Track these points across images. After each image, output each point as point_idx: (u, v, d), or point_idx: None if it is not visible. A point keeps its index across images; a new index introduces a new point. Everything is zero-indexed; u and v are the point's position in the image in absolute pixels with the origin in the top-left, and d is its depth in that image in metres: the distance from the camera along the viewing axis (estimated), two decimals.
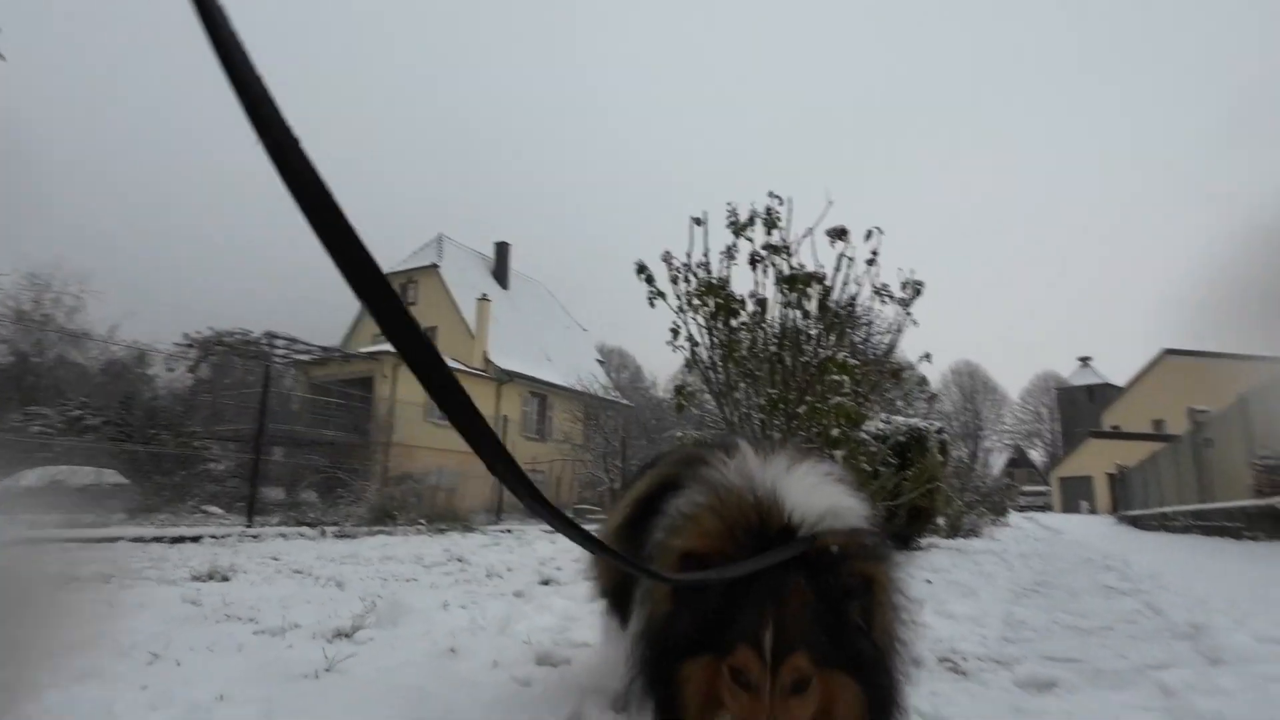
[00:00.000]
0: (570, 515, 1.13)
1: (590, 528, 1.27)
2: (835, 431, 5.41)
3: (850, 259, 5.82)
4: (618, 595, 1.77)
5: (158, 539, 8.86)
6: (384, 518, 12.53)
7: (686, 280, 5.91)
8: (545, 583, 4.84)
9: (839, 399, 5.45)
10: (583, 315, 46.13)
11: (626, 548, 1.55)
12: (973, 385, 71.17)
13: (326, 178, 0.74)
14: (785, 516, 1.30)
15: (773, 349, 5.72)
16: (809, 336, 5.88)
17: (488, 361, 32.09)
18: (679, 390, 6.10)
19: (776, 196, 5.99)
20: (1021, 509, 41.06)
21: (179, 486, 16.42)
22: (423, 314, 35.59)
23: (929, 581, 5.47)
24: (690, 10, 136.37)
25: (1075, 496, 48.50)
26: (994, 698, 2.34)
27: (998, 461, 67.65)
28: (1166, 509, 18.56)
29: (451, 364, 29.98)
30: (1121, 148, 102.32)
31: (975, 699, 2.34)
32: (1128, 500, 27.29)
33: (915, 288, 6.12)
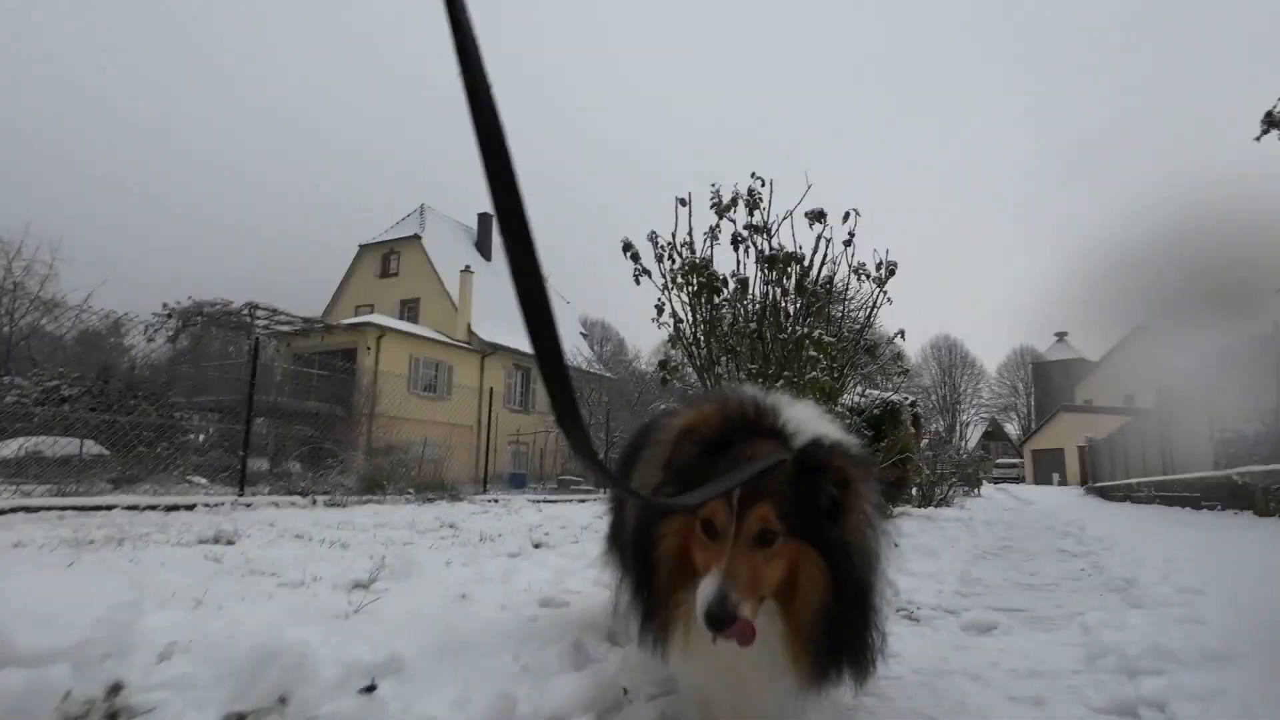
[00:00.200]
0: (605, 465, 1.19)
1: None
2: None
3: (828, 240, 6.09)
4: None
5: (152, 507, 9.00)
6: (373, 487, 12.76)
7: (671, 259, 6.15)
8: (537, 546, 5.13)
9: (815, 374, 5.74)
10: (566, 288, 46.10)
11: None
12: (951, 360, 72.13)
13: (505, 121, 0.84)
14: (779, 422, 1.41)
15: (753, 326, 6.00)
16: (788, 314, 6.16)
17: (471, 333, 32.13)
18: (663, 365, 6.36)
19: (759, 178, 6.21)
20: (995, 480, 42.16)
21: (161, 457, 16.42)
22: (405, 285, 35.50)
23: (896, 545, 5.83)
24: None
25: (1047, 469, 49.72)
26: (940, 639, 2.66)
27: (974, 434, 69.01)
28: (1132, 480, 19.23)
29: (435, 336, 29.92)
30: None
31: (924, 639, 2.66)
32: (1096, 472, 28.12)
33: (890, 268, 6.41)
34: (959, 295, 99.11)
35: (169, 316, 26.24)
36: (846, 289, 7.66)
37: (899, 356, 9.68)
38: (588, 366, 34.63)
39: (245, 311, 27.39)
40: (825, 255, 6.08)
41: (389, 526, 7.02)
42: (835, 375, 6.41)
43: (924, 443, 16.26)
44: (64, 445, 15.21)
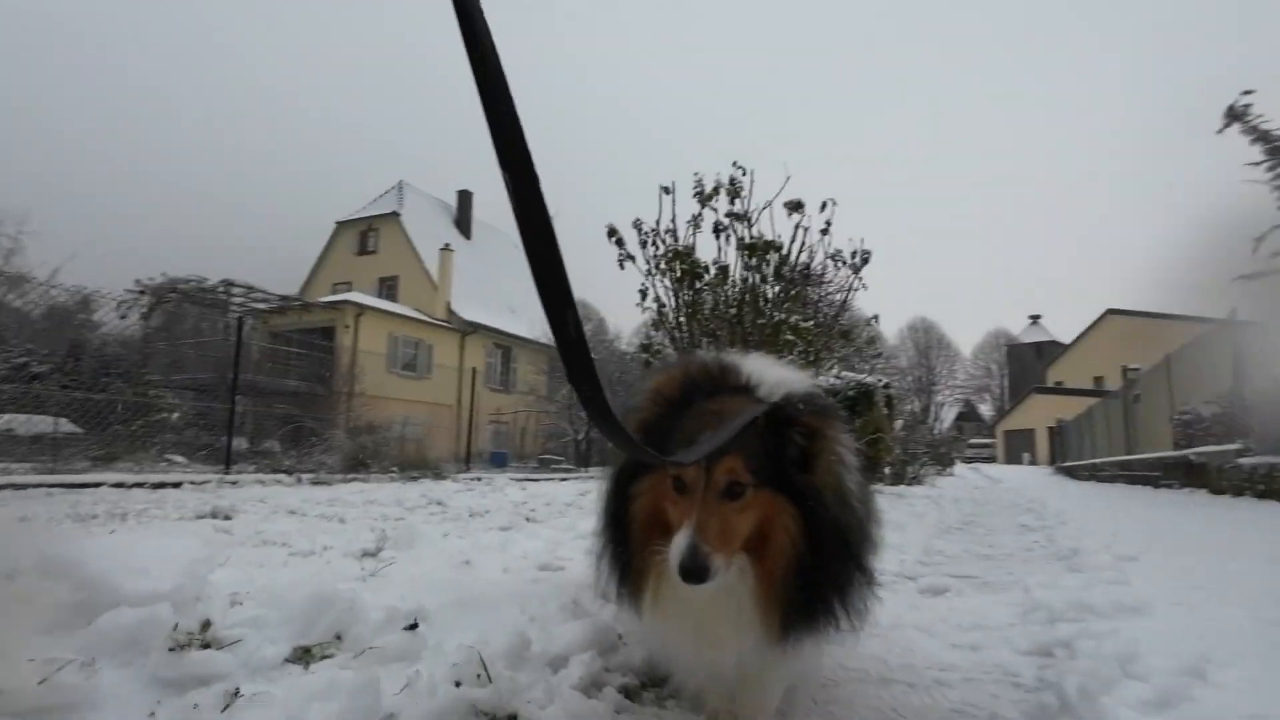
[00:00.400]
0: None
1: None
2: None
3: (806, 229, 6.35)
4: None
5: (139, 484, 9.12)
6: (357, 466, 12.92)
7: (655, 245, 6.37)
8: (527, 520, 5.37)
9: (792, 359, 6.02)
10: None
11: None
12: (927, 341, 73.18)
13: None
14: (743, 378, 1.45)
15: (733, 311, 6.25)
16: (767, 300, 6.42)
17: (451, 312, 32.04)
18: (646, 348, 6.60)
19: (740, 167, 6.44)
20: (968, 460, 43.12)
21: (138, 435, 16.33)
22: (384, 263, 35.27)
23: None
24: None
25: (1018, 449, 50.90)
26: (898, 600, 2.95)
27: (949, 415, 70.25)
28: (1097, 460, 19.87)
29: (415, 315, 29.77)
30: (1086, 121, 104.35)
31: (883, 602, 2.94)
32: (1065, 452, 28.92)
33: (864, 256, 6.68)
34: (946, 276, 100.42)
35: (142, 293, 25.87)
36: (824, 274, 7.95)
37: (873, 340, 10.00)
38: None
39: (221, 289, 27.07)
40: (803, 243, 6.35)
41: (378, 503, 7.22)
42: (812, 358, 6.69)
43: (898, 424, 16.70)
44: (37, 423, 15.08)
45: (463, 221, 39.02)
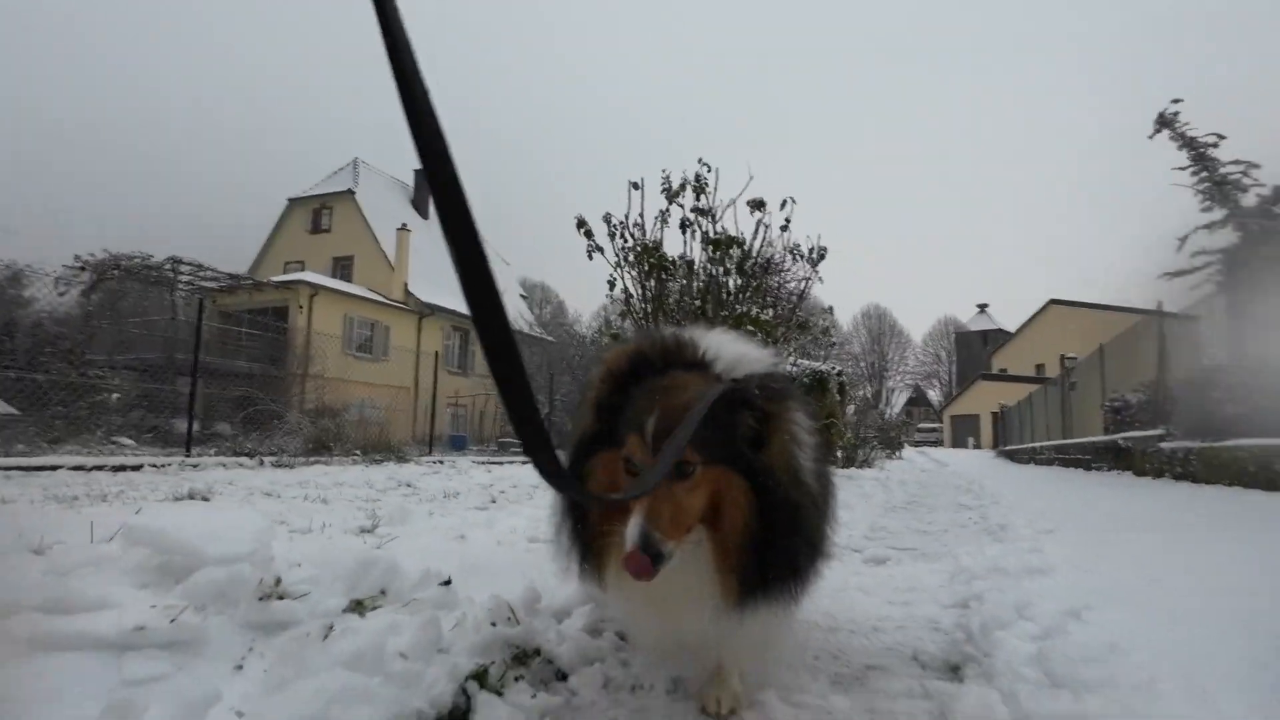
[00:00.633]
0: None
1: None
2: None
3: (767, 226, 6.70)
4: None
5: (98, 468, 9.06)
6: (319, 449, 12.94)
7: (624, 238, 6.64)
8: (495, 501, 5.64)
9: None
10: (506, 248, 45.78)
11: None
12: (880, 328, 75.00)
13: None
14: (700, 352, 1.45)
15: (698, 303, 6.57)
16: (729, 292, 6.76)
17: (408, 294, 31.75)
18: (615, 337, 6.88)
19: (705, 164, 6.75)
20: (916, 444, 44.66)
21: (80, 418, 15.90)
22: (338, 242, 34.64)
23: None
24: None
25: (964, 433, 52.76)
26: (843, 569, 3.32)
27: (899, 400, 72.27)
28: (1037, 444, 20.88)
29: (371, 296, 29.35)
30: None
31: (830, 570, 3.31)
32: (1007, 436, 30.15)
33: (820, 252, 7.07)
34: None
35: (82, 269, 25.02)
36: (783, 266, 8.33)
37: (827, 330, 10.46)
38: (528, 330, 34.73)
39: (168, 266, 26.30)
40: (764, 240, 6.70)
41: (347, 485, 7.37)
42: (770, 347, 7.07)
43: (850, 409, 17.33)
44: None
45: (419, 201, 38.49)
